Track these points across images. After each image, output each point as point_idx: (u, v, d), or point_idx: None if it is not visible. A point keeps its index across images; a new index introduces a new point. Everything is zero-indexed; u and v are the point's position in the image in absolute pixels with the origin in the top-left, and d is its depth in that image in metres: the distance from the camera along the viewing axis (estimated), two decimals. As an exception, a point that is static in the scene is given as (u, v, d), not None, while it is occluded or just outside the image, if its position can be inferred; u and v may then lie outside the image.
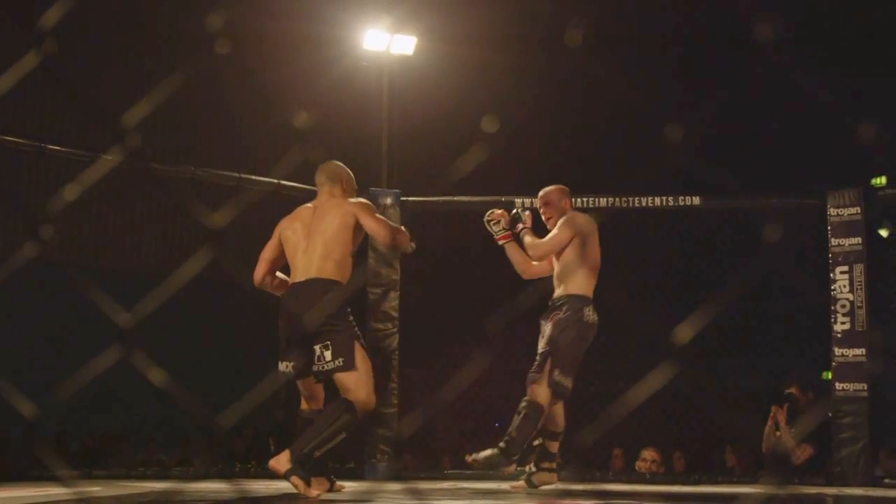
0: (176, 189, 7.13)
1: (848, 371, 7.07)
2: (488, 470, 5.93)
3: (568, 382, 5.72)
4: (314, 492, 4.81)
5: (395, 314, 7.41)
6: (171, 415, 8.82)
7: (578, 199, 7.62)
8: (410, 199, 7.66)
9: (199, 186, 7.30)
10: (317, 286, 5.09)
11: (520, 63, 11.13)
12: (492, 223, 6.14)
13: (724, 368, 8.38)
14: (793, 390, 7.60)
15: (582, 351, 5.79)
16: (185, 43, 8.89)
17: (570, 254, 5.81)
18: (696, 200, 7.50)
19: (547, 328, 5.79)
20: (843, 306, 7.12)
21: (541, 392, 5.67)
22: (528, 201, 7.49)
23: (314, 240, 5.17)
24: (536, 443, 5.93)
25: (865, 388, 7.00)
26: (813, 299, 7.74)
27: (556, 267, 5.94)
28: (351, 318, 5.10)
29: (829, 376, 7.21)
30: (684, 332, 2.07)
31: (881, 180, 8.94)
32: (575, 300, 5.77)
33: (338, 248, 5.15)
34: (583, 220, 5.92)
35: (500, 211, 6.18)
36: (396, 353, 7.38)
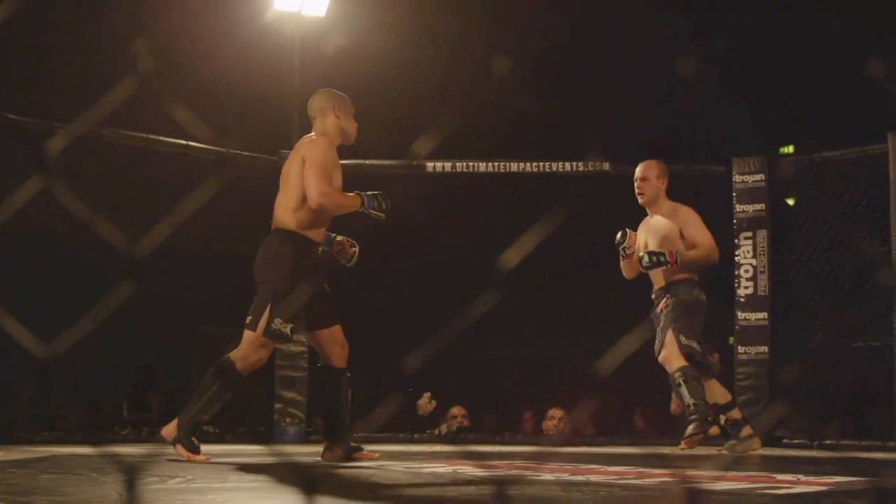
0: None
1: (750, 334, 7.24)
2: (700, 440, 5.77)
3: (695, 345, 5.80)
4: (199, 458, 4.68)
5: (305, 277, 7.36)
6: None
7: (490, 164, 7.66)
8: (321, 161, 7.60)
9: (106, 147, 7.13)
10: (270, 239, 4.92)
11: (433, 24, 11.09)
12: (626, 248, 6.07)
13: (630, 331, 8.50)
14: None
15: (699, 323, 5.87)
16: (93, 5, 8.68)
17: (674, 246, 5.84)
18: (606, 166, 7.58)
19: (663, 311, 5.86)
20: (747, 271, 7.27)
21: (674, 358, 5.74)
22: (440, 165, 7.51)
23: (281, 186, 4.97)
24: (723, 421, 6.04)
25: (767, 350, 7.17)
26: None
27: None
28: (290, 271, 4.78)
29: (733, 341, 7.37)
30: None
31: (789, 149, 9.11)
32: (684, 283, 5.86)
33: (292, 195, 4.87)
34: (693, 210, 5.98)
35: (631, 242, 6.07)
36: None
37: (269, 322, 4.75)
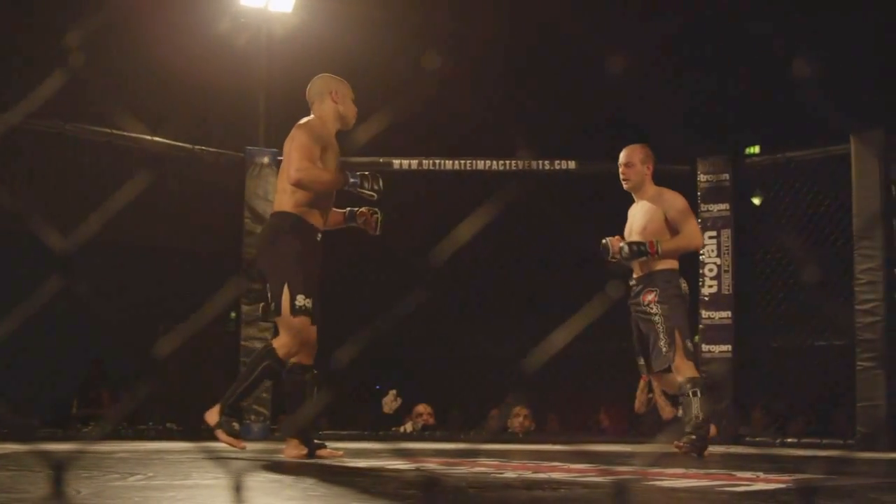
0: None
1: (714, 333, 7.29)
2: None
3: (692, 347, 5.77)
4: (240, 444, 4.74)
5: (270, 274, 7.34)
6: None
7: (457, 163, 7.66)
8: (288, 158, 7.58)
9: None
10: (267, 222, 4.95)
11: (400, 19, 11.08)
12: (614, 257, 5.82)
13: (598, 331, 8.52)
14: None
15: (687, 314, 5.80)
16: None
17: (658, 232, 5.70)
18: (572, 165, 7.61)
19: (653, 308, 5.68)
20: (711, 270, 7.32)
21: (685, 366, 5.62)
22: (406, 163, 7.51)
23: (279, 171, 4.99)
24: (680, 413, 5.89)
25: (731, 349, 7.23)
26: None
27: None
28: (292, 247, 4.79)
29: (697, 339, 7.41)
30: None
31: (755, 149, 9.16)
32: (667, 274, 5.71)
33: (286, 178, 4.87)
34: (681, 196, 5.85)
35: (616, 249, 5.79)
36: (272, 313, 7.33)
37: (293, 300, 4.75)
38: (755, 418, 7.96)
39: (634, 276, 5.82)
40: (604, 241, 5.76)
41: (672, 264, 5.75)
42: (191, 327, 3.43)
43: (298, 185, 4.81)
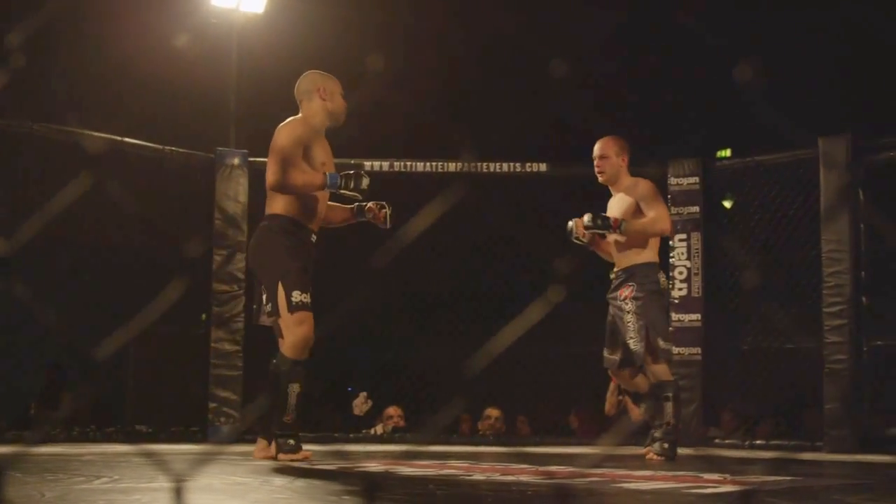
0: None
1: (684, 335, 7.31)
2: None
3: (670, 347, 5.74)
4: (305, 453, 4.80)
5: (241, 276, 7.32)
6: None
7: (428, 164, 7.65)
8: (259, 159, 7.55)
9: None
10: (260, 224, 4.96)
11: (372, 21, 11.07)
12: (578, 239, 5.75)
13: (567, 333, 8.52)
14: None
15: (665, 310, 5.80)
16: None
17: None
18: (543, 167, 7.62)
19: (627, 304, 5.62)
20: (681, 273, 7.35)
21: (658, 369, 5.59)
22: (377, 164, 7.50)
23: None
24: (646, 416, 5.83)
25: (700, 351, 7.26)
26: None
27: (613, 238, 5.76)
28: (282, 247, 4.82)
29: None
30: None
31: (726, 152, 9.21)
32: (646, 268, 5.65)
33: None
34: (654, 186, 5.80)
35: (580, 230, 5.70)
36: (242, 315, 7.30)
37: (289, 298, 4.74)
38: (725, 420, 7.99)
39: (615, 269, 5.79)
40: (570, 223, 5.72)
41: (652, 258, 5.70)
42: (132, 331, 3.43)
43: (275, 189, 4.83)
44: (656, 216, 5.62)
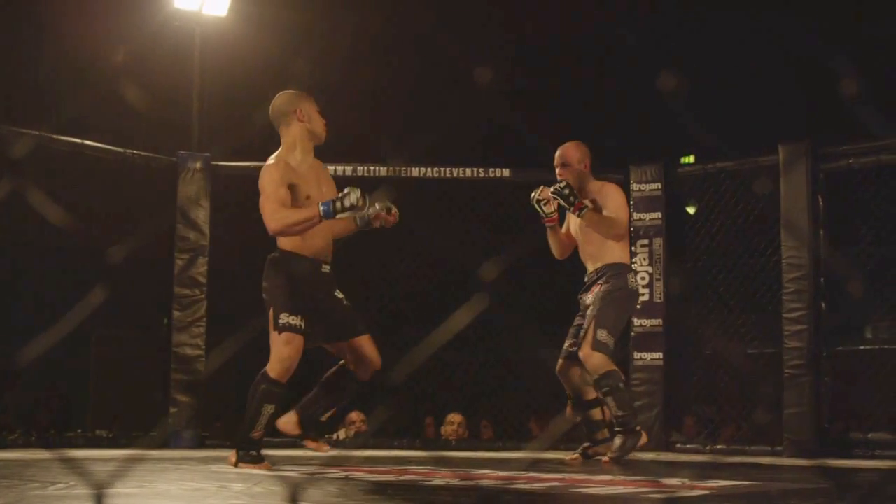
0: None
1: (646, 340, 7.35)
2: (628, 455, 5.46)
3: (610, 342, 5.47)
4: (263, 466, 4.80)
5: (202, 280, 7.28)
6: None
7: (390, 169, 7.64)
8: (221, 163, 7.53)
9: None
10: (267, 259, 5.00)
11: (335, 25, 11.05)
12: (542, 203, 5.65)
13: (531, 339, 8.53)
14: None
15: (626, 317, 5.71)
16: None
17: None
18: (506, 173, 7.63)
19: (589, 299, 5.58)
20: (643, 278, 7.38)
21: (596, 360, 5.42)
22: (340, 169, 7.47)
23: None
24: (578, 419, 5.77)
25: (661, 356, 7.29)
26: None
27: (583, 240, 5.70)
28: (278, 280, 4.85)
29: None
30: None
31: (690, 159, 9.26)
32: (616, 268, 5.57)
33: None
34: (618, 188, 5.73)
35: (546, 194, 5.62)
36: (204, 319, 7.27)
37: (276, 317, 4.77)
38: (687, 425, 8.04)
39: (589, 270, 5.73)
40: (538, 189, 5.64)
41: (622, 258, 5.63)
42: (50, 338, 3.43)
43: (277, 235, 4.86)
44: (616, 219, 5.59)
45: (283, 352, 4.77)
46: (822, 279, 6.85)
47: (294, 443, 7.25)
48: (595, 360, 5.45)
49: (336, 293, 5.04)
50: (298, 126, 4.95)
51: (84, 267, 7.76)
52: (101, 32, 10.01)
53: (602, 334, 5.46)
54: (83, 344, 10.71)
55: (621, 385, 5.51)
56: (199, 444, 7.09)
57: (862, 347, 7.17)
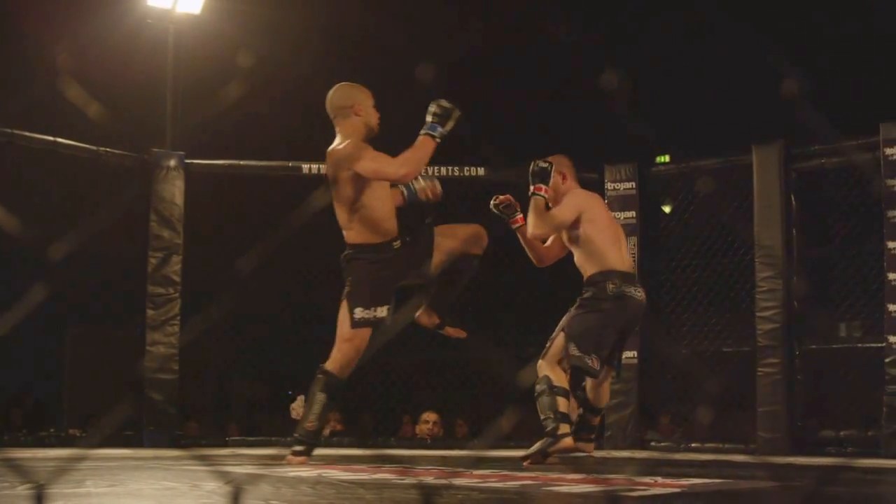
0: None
1: (621, 339, 7.35)
2: (543, 460, 5.25)
3: (589, 359, 5.29)
4: (296, 459, 4.88)
5: (176, 279, 7.25)
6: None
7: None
8: (195, 161, 7.50)
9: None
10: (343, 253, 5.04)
11: (312, 24, 11.02)
12: (500, 206, 5.63)
13: (508, 337, 8.54)
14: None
15: (604, 325, 5.35)
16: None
17: (580, 235, 5.43)
18: (481, 171, 7.64)
19: (572, 311, 5.46)
20: (617, 276, 7.39)
21: (544, 366, 5.35)
22: (315, 167, 7.45)
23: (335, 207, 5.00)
24: (579, 413, 5.67)
25: (636, 355, 7.31)
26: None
27: (574, 252, 5.57)
28: (357, 278, 4.91)
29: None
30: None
31: (665, 158, 9.29)
32: (595, 278, 5.41)
33: (343, 210, 4.92)
34: (582, 195, 5.53)
35: (504, 196, 5.64)
36: (178, 317, 7.24)
37: (352, 314, 4.85)
38: (663, 424, 8.07)
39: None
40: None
41: (601, 266, 5.41)
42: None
43: (411, 177, 4.93)
44: (549, 215, 5.40)
45: (342, 349, 4.90)
46: (794, 278, 6.89)
47: (280, 442, 7.25)
48: (542, 367, 5.39)
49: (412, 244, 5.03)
50: (356, 120, 4.96)
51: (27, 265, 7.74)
52: (73, 30, 9.94)
53: (572, 348, 5.32)
54: (59, 342, 10.67)
55: (552, 392, 5.30)
56: (173, 444, 7.06)
57: (835, 346, 7.20)
